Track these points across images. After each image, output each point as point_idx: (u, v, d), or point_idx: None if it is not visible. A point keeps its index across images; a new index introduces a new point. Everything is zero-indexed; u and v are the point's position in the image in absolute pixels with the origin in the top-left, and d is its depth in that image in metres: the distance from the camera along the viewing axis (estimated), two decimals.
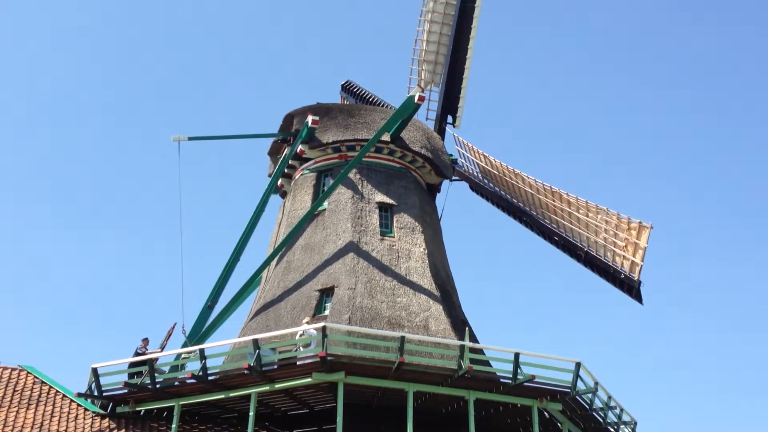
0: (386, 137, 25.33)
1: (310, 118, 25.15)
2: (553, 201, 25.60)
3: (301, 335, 19.17)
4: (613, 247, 23.65)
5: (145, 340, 20.67)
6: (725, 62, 67.69)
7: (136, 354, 20.16)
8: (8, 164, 60.88)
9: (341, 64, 72.02)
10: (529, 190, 26.59)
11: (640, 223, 22.37)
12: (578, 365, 19.73)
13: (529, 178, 26.42)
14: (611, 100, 70.10)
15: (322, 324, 18.15)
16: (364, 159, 25.15)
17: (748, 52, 66.95)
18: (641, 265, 22.64)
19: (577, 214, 24.78)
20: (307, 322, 19.87)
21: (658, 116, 67.97)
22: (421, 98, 24.68)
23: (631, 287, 23.33)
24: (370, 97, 32.70)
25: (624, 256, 23.20)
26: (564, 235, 26.03)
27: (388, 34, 71.28)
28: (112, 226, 62.59)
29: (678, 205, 64.55)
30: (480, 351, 20.16)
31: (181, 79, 70.78)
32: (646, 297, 23.28)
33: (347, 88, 34.05)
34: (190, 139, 24.51)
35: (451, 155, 29.09)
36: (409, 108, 24.82)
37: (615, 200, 75.03)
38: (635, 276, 22.99)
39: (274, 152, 28.21)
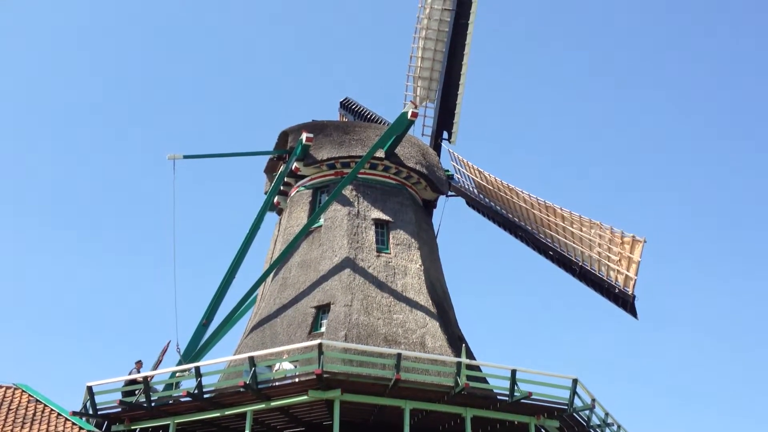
0: (381, 154, 25.42)
1: (304, 136, 25.22)
2: (548, 216, 25.67)
3: (277, 369, 19.26)
4: (607, 262, 23.67)
5: (139, 363, 20.57)
6: (724, 74, 68.17)
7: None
8: (2, 181, 60.81)
9: (340, 82, 72.30)
10: (524, 205, 26.66)
11: (633, 237, 22.43)
12: (575, 382, 19.73)
13: (523, 193, 26.50)
14: (606, 114, 70.54)
15: (318, 341, 18.15)
16: (360, 175, 25.22)
17: (748, 63, 67.47)
18: (635, 279, 22.65)
19: (571, 228, 24.84)
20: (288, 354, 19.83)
21: (652, 131, 68.36)
22: (414, 114, 24.66)
23: (625, 301, 23.32)
24: (369, 114, 32.82)
25: (618, 271, 23.23)
26: (559, 250, 26.05)
27: (388, 51, 71.59)
28: (107, 243, 62.51)
29: (673, 219, 64.76)
30: (477, 368, 20.18)
31: (179, 96, 70.95)
32: (642, 312, 23.31)
33: (346, 106, 34.17)
34: (185, 157, 24.58)
35: (447, 171, 29.17)
36: (402, 124, 24.89)
37: (609, 215, 75.38)
38: (629, 290, 22.98)
39: (270, 170, 28.28)
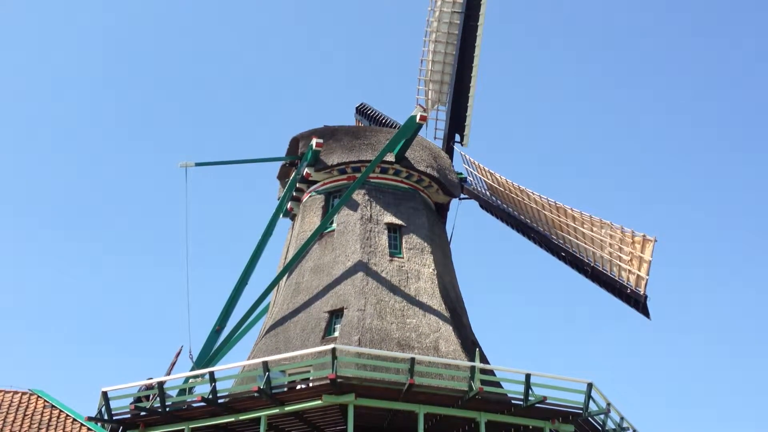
0: (391, 157, 25.40)
1: (314, 141, 25.23)
2: (559, 217, 25.62)
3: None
4: (618, 262, 23.55)
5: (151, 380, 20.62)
6: (736, 77, 67.58)
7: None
8: (15, 187, 61.27)
9: (356, 87, 72.19)
10: (535, 207, 26.62)
11: (644, 236, 22.32)
12: (590, 386, 19.67)
13: (534, 194, 26.46)
14: (617, 114, 70.13)
15: (331, 346, 18.19)
16: (372, 180, 25.22)
17: (756, 66, 66.88)
18: (647, 279, 22.52)
19: (582, 229, 24.78)
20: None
21: (664, 129, 67.99)
22: (423, 118, 24.46)
23: (637, 302, 23.20)
24: (384, 118, 32.79)
25: (629, 270, 23.11)
26: (570, 251, 25.98)
27: (403, 55, 71.46)
28: (120, 250, 62.66)
29: (683, 218, 64.30)
30: (491, 372, 20.12)
31: (191, 103, 71.03)
32: (655, 312, 23.20)
33: (362, 111, 34.15)
34: (197, 164, 24.71)
35: (460, 174, 29.13)
36: (411, 128, 24.78)
37: (619, 214, 74.98)
38: (641, 290, 22.86)
39: (282, 176, 28.31)
